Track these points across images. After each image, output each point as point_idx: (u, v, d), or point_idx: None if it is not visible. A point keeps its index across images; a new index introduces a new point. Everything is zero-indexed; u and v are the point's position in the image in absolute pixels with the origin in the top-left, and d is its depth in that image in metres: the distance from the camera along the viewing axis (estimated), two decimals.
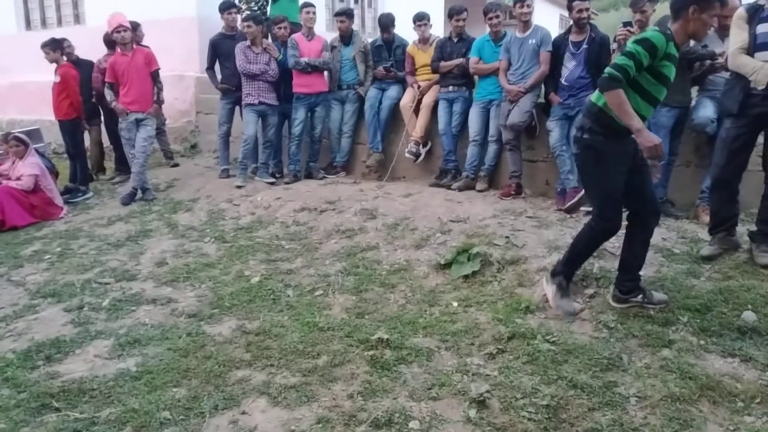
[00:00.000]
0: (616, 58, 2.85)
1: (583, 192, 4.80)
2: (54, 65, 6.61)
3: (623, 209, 3.18)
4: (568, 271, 3.29)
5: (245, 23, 6.15)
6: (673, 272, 3.67)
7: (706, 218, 4.11)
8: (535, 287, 3.59)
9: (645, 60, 2.79)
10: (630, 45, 2.84)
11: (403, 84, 6.17)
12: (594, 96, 3.05)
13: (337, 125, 6.36)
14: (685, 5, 2.84)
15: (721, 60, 4.22)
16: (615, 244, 4.19)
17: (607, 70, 2.83)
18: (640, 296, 3.24)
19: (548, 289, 3.30)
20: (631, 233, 3.25)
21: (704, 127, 4.37)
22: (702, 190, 4.50)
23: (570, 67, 4.99)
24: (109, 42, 6.85)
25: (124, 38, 6.04)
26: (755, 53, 3.54)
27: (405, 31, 6.38)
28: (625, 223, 3.23)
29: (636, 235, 3.23)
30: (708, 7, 2.84)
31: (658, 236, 4.16)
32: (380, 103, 6.13)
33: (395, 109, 6.11)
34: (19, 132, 6.73)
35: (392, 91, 6.14)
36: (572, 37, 5.00)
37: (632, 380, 2.69)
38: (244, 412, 2.60)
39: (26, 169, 5.96)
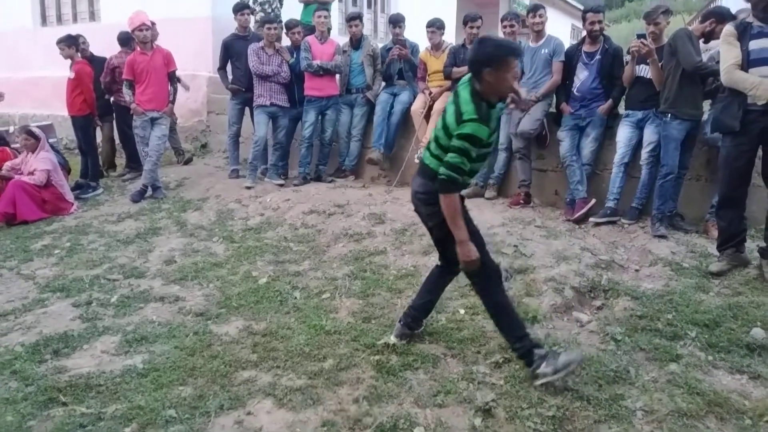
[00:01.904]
0: (448, 156, 2.62)
1: (593, 202, 4.82)
2: (69, 61, 6.68)
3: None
4: (526, 340, 2.78)
5: (270, 25, 6.18)
6: (682, 286, 3.66)
7: (716, 233, 4.10)
8: (543, 297, 3.58)
9: (474, 151, 2.61)
10: (456, 141, 2.60)
11: (414, 89, 6.19)
12: (431, 163, 2.78)
13: (346, 129, 6.39)
14: (479, 70, 2.60)
15: None
16: (624, 256, 4.20)
17: (443, 171, 2.62)
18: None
19: (543, 375, 2.70)
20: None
21: (716, 141, 4.35)
22: (712, 205, 4.48)
23: (582, 77, 5.00)
24: (124, 40, 6.93)
25: (145, 37, 6.11)
26: (749, 69, 3.59)
27: (418, 36, 6.40)
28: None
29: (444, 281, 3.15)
30: (501, 66, 2.57)
31: (667, 250, 4.16)
32: (391, 107, 6.14)
33: (406, 113, 6.12)
34: (32, 127, 6.77)
35: (404, 96, 6.15)
36: (585, 48, 5.01)
37: (639, 394, 2.68)
38: (249, 413, 2.61)
39: (39, 164, 6.01)
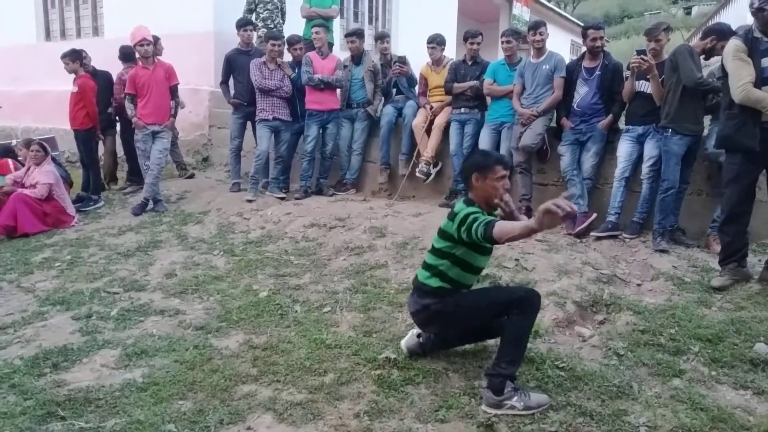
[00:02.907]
0: (467, 225, 2.60)
1: (594, 216, 4.82)
2: (72, 75, 6.73)
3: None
4: (514, 369, 2.73)
5: (275, 42, 6.23)
6: (684, 301, 3.65)
7: (717, 247, 4.10)
8: (545, 311, 3.56)
9: (480, 214, 2.64)
10: (463, 225, 2.62)
11: (415, 99, 6.25)
12: (422, 277, 2.92)
13: (346, 143, 6.42)
14: (468, 175, 2.80)
15: None
16: (625, 270, 4.19)
17: (479, 233, 2.53)
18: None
19: (511, 407, 2.63)
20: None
21: (717, 157, 4.37)
22: (713, 219, 4.49)
23: (582, 92, 5.03)
24: (125, 55, 6.98)
25: (147, 51, 6.18)
26: (762, 87, 3.57)
27: (418, 52, 6.46)
28: None
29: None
30: (488, 173, 2.73)
31: (669, 264, 4.16)
32: (399, 118, 6.19)
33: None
34: (39, 140, 6.81)
35: (408, 108, 6.18)
36: (585, 63, 5.04)
37: (642, 409, 2.66)
38: (249, 428, 2.58)
39: (41, 177, 6.02)
